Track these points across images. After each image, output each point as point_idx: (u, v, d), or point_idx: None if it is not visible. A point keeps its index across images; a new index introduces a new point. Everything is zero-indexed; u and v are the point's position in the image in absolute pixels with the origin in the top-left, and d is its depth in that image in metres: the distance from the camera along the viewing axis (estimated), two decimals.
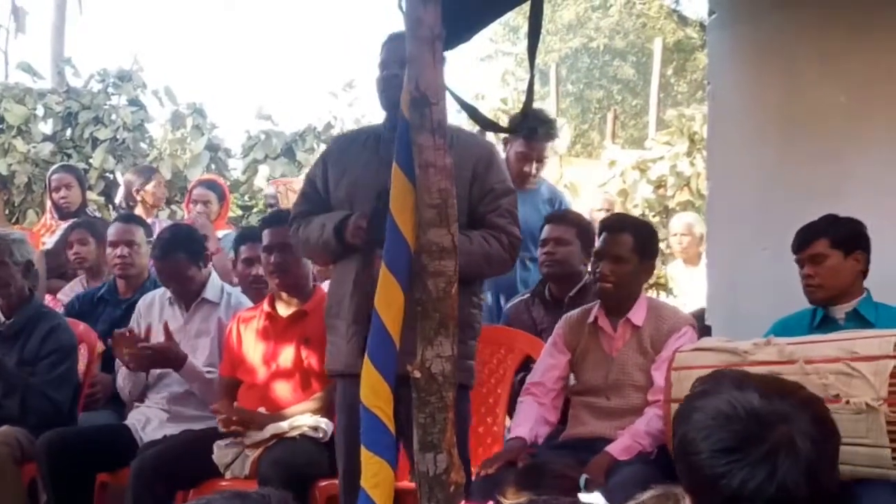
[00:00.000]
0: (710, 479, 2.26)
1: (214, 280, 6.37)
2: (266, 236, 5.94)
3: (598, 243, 5.44)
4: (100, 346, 6.74)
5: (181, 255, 6.23)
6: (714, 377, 2.43)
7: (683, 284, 9.44)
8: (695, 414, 2.33)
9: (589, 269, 6.38)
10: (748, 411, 2.28)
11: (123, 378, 6.31)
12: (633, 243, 5.34)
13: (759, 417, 2.27)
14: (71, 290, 7.77)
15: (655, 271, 10.74)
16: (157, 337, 6.12)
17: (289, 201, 8.40)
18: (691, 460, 2.31)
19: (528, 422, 5.28)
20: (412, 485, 4.54)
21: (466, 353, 4.83)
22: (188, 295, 6.33)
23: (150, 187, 9.20)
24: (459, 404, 4.92)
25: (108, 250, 7.04)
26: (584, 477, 3.76)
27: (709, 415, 2.31)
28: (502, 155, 6.18)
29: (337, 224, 4.84)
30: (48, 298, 7.59)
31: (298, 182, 9.30)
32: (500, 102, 17.69)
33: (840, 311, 5.20)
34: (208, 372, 6.08)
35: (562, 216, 6.51)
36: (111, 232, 7.07)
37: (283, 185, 8.79)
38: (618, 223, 5.56)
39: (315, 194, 5.13)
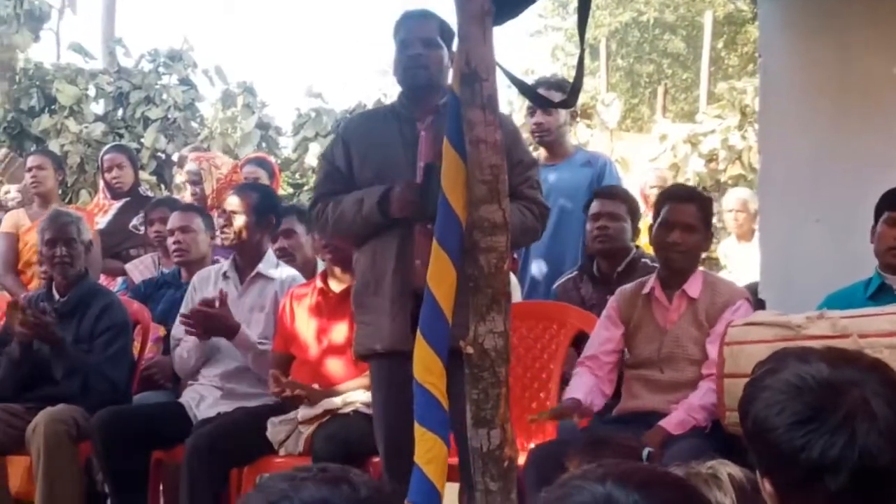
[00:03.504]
0: (789, 454, 2.22)
1: (270, 256, 6.37)
2: None
3: (663, 213, 5.38)
4: (161, 330, 6.79)
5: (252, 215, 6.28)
6: (777, 355, 2.40)
7: (736, 261, 9.37)
8: (763, 392, 2.29)
9: (636, 244, 6.39)
10: (818, 381, 2.24)
11: (188, 350, 6.29)
12: (698, 213, 5.33)
13: (831, 385, 2.23)
14: (141, 262, 7.85)
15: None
16: None
17: (212, 177, 8.33)
18: (767, 438, 2.26)
19: (584, 388, 5.25)
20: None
21: None
22: (246, 261, 6.35)
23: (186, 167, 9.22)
24: None
25: (168, 238, 7.07)
26: (647, 450, 3.74)
27: (779, 390, 2.27)
28: None
29: (379, 198, 4.85)
30: (102, 278, 7.64)
31: (221, 157, 9.19)
32: None
33: None
34: (261, 343, 6.10)
35: (612, 191, 6.47)
36: (169, 220, 7.10)
37: (206, 160, 8.59)
38: (685, 193, 5.64)
39: (338, 174, 5.12)
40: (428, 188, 4.61)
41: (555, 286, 6.51)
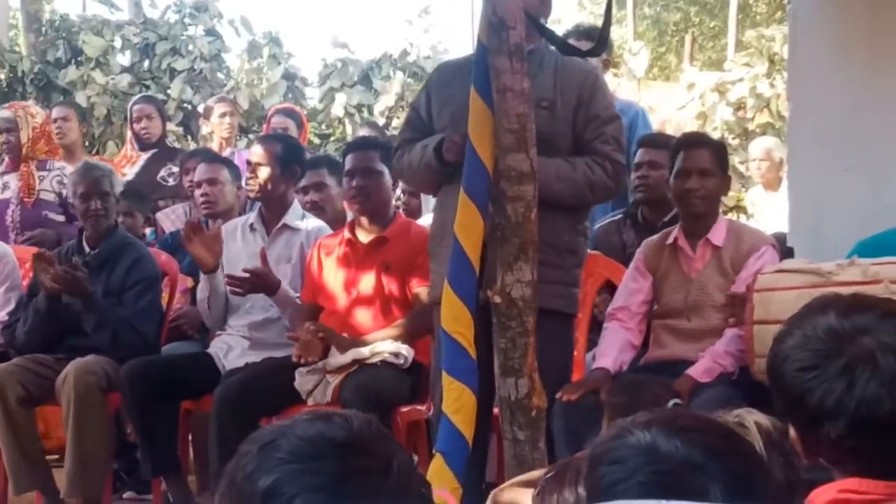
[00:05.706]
0: (796, 397, 2.27)
1: (296, 207, 6.37)
2: (349, 160, 5.93)
3: (678, 161, 5.34)
4: (189, 282, 6.80)
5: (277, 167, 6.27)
6: (809, 304, 2.42)
7: (763, 209, 9.36)
8: (786, 339, 2.34)
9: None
10: (825, 330, 2.27)
11: (201, 290, 6.31)
12: (712, 156, 5.32)
13: (837, 334, 2.26)
14: (173, 212, 7.85)
15: (735, 194, 10.75)
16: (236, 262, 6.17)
17: (28, 126, 8.04)
18: (779, 384, 2.33)
19: (613, 351, 5.24)
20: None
21: (568, 280, 4.87)
22: (272, 212, 6.33)
23: (214, 119, 9.19)
24: (564, 334, 4.93)
25: (195, 190, 7.06)
26: (672, 402, 3.74)
27: (792, 339, 2.32)
28: None
29: (437, 144, 4.83)
30: None
31: (35, 107, 8.92)
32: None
33: None
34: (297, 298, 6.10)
35: (654, 139, 6.44)
36: (196, 172, 7.07)
37: (21, 108, 8.34)
38: (696, 139, 5.66)
39: (419, 122, 5.12)
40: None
41: (596, 227, 6.47)
